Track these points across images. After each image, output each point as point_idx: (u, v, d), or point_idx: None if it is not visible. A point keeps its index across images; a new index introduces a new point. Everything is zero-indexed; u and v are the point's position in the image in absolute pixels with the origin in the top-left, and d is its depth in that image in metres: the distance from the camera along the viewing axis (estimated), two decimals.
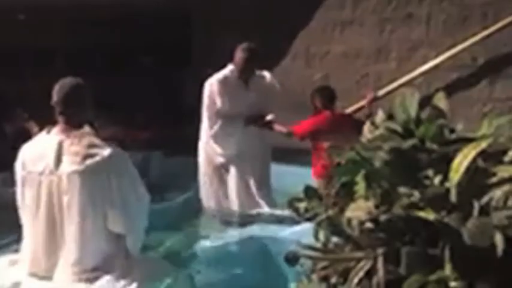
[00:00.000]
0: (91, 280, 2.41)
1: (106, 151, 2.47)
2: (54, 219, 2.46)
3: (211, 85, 3.95)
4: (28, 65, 7.65)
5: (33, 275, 2.52)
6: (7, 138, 6.41)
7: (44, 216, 2.48)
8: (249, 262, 3.03)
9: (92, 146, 2.47)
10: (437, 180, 1.29)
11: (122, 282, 2.39)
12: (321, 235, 1.40)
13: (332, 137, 3.67)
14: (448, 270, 1.05)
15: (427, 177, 1.32)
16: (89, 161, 2.42)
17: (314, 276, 1.35)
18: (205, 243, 3.01)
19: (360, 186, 1.32)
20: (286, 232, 2.89)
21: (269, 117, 4.05)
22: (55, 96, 2.60)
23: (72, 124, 2.55)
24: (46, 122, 6.76)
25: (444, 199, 1.22)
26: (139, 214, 2.54)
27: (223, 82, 3.94)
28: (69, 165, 2.44)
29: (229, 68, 4.03)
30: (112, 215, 2.46)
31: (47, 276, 2.49)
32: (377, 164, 1.35)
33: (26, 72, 7.49)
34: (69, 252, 2.43)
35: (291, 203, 1.74)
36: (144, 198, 2.58)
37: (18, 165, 2.60)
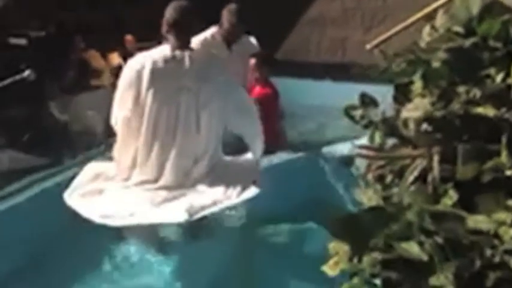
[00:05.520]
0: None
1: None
2: (189, 129, 2.72)
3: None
4: None
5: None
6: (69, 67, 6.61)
7: (183, 126, 2.71)
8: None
9: (213, 58, 2.92)
10: (499, 78, 1.25)
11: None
12: (377, 137, 1.40)
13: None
14: (504, 157, 1.04)
15: (488, 75, 1.28)
16: (218, 72, 2.77)
17: (369, 177, 1.36)
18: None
19: (417, 86, 1.30)
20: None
21: None
22: (175, 15, 2.67)
23: (187, 43, 2.71)
24: (105, 50, 6.87)
25: (505, 95, 1.18)
26: None
27: (203, 44, 3.60)
28: (206, 76, 2.69)
29: (211, 30, 3.75)
30: (233, 117, 2.90)
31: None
32: (435, 64, 1.32)
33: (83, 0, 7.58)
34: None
35: (347, 111, 1.74)
36: None
37: (145, 80, 2.65)
